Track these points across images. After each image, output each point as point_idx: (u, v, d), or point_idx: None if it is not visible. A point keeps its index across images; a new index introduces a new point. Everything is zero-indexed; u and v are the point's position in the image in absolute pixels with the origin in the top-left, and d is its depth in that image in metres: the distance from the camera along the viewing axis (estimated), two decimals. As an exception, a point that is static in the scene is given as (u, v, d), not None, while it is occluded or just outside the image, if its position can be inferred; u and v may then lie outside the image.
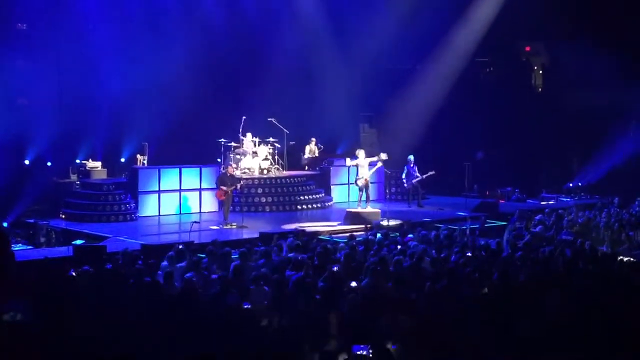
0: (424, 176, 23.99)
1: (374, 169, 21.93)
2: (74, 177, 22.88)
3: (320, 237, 17.70)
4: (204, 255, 13.63)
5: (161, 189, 21.84)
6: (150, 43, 23.48)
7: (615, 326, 8.22)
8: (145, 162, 22.99)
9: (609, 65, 25.04)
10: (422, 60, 27.70)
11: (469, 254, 13.39)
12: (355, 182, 21.05)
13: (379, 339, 7.51)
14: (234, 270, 11.55)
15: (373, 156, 21.27)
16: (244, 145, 24.02)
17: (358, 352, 4.85)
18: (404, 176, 24.36)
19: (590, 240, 15.64)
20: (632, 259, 12.95)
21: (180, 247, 13.91)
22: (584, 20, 26.19)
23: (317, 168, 25.85)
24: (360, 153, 21.08)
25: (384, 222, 19.40)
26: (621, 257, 13.44)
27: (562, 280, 10.76)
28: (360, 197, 21.03)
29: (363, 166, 20.90)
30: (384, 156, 21.21)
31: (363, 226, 19.61)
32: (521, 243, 14.77)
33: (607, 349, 7.92)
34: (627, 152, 27.40)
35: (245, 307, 9.62)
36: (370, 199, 21.67)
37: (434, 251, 13.98)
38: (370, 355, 4.63)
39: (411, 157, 24.37)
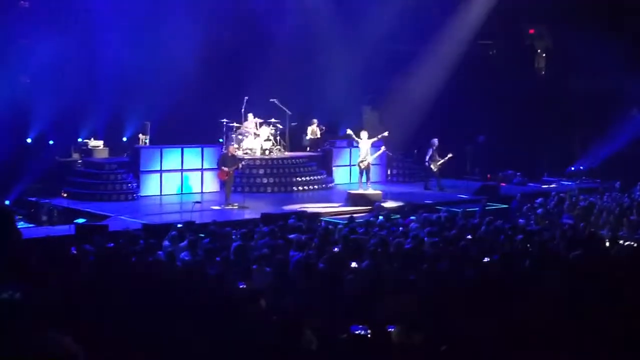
0: (445, 159, 23.78)
1: (378, 153, 21.95)
2: (76, 156, 22.87)
3: (321, 218, 17.72)
4: (204, 235, 13.64)
5: (163, 168, 21.84)
6: (153, 23, 23.38)
7: (613, 309, 8.23)
8: (147, 141, 22.96)
9: (612, 50, 24.95)
10: (426, 42, 27.56)
11: (469, 237, 13.41)
12: (358, 164, 21.03)
13: (378, 319, 7.53)
14: (235, 251, 11.56)
15: (375, 136, 21.23)
16: (246, 126, 23.99)
17: (356, 332, 4.84)
18: (427, 158, 24.01)
19: (591, 224, 15.65)
20: (632, 243, 12.96)
21: (180, 226, 13.91)
22: (588, 4, 26.08)
23: (319, 149, 25.82)
24: (363, 134, 21.08)
25: (385, 204, 19.41)
26: (621, 241, 13.47)
27: (562, 263, 10.78)
28: (361, 178, 21.03)
29: (365, 148, 20.91)
30: (385, 134, 21.24)
31: (364, 208, 19.62)
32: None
33: (604, 333, 7.93)
34: (629, 137, 27.36)
35: (245, 287, 9.64)
36: (371, 180, 21.63)
37: (435, 233, 13.98)
38: (369, 336, 4.62)
39: (435, 141, 24.12)
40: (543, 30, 30.24)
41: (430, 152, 23.98)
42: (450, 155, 23.74)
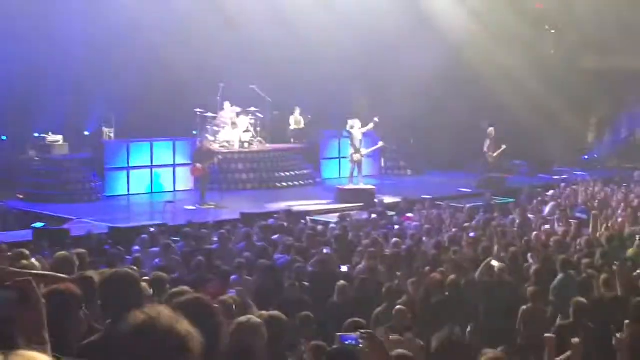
0: (500, 151, 23.59)
1: (374, 148, 22.00)
2: (32, 153, 22.80)
3: (308, 217, 17.79)
4: (178, 239, 13.70)
5: (130, 165, 21.83)
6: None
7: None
8: (112, 135, 22.95)
9: (628, 24, 25.08)
10: (422, 17, 27.50)
11: (472, 235, 13.51)
12: (350, 156, 20.99)
13: (372, 328, 7.59)
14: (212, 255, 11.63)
15: (367, 124, 21.11)
16: (222, 116, 23.99)
17: (346, 342, 4.82)
18: (485, 150, 23.69)
19: (607, 219, 15.76)
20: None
21: (152, 230, 13.96)
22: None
23: (305, 141, 25.84)
24: (355, 123, 20.96)
25: (384, 200, 19.47)
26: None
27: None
28: (352, 172, 21.05)
29: (358, 138, 20.83)
30: (376, 119, 21.07)
31: (356, 204, 19.67)
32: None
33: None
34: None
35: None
36: (364, 174, 21.64)
37: (435, 232, 14.08)
38: (361, 346, 4.62)
39: (492, 130, 23.77)
40: (551, 2, 30.32)
41: (487, 142, 23.73)
42: (504, 146, 23.58)
